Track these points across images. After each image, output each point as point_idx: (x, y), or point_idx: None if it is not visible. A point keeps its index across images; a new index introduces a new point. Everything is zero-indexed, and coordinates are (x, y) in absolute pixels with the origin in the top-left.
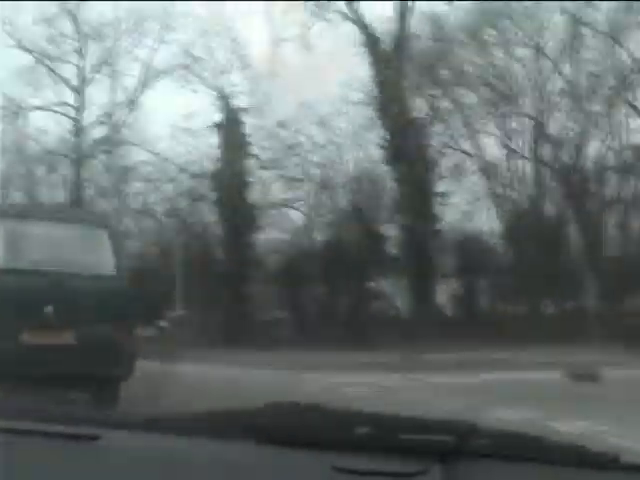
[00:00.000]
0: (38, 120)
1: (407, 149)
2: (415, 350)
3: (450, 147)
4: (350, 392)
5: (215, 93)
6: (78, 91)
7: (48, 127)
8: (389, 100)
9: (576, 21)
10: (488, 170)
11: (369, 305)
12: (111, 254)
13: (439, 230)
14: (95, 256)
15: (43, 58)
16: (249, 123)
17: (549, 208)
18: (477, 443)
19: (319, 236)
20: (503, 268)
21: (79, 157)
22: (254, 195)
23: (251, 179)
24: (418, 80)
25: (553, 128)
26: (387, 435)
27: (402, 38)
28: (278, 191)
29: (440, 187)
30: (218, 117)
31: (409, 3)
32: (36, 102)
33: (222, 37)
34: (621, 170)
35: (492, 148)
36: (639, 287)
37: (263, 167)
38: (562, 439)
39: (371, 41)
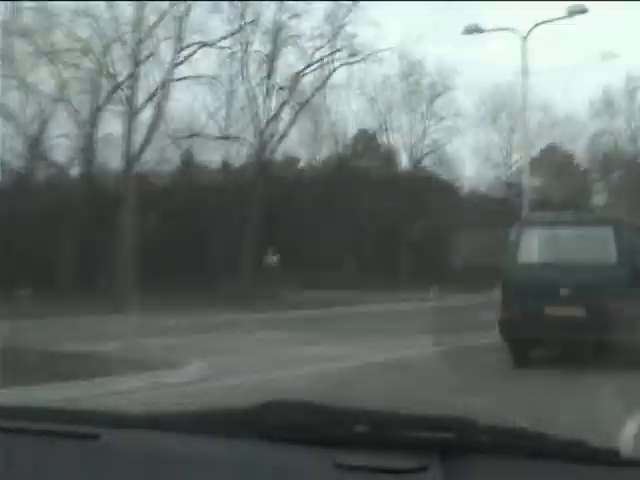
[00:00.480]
0: None
1: None
2: None
3: None
4: None
5: None
6: None
7: None
8: None
9: None
10: None
11: None
12: (614, 248)
13: None
14: (600, 250)
15: None
16: None
17: None
18: (477, 439)
19: None
20: None
21: None
22: None
23: None
24: None
25: None
26: (388, 432)
27: None
28: None
29: None
30: None
31: None
32: None
33: None
34: None
35: None
36: None
37: None
38: (562, 434)
39: None
